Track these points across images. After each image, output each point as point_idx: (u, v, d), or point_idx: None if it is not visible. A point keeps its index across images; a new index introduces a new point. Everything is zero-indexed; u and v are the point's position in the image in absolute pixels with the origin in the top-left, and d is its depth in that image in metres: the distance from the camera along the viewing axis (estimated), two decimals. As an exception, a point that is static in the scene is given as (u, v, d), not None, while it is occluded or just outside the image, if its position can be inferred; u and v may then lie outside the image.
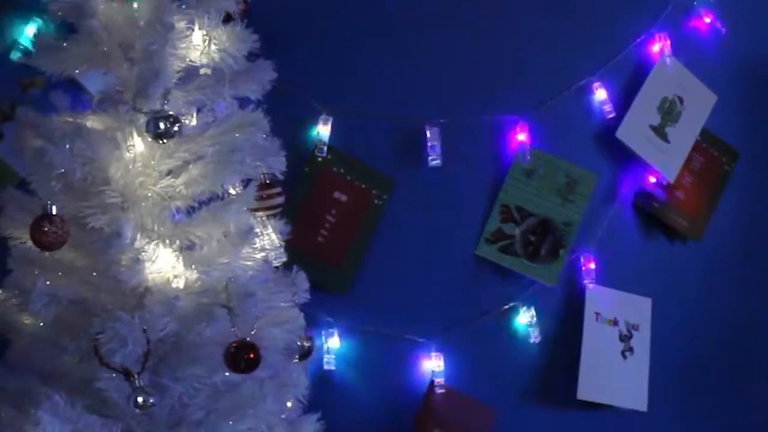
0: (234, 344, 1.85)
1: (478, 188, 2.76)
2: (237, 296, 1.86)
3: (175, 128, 1.84)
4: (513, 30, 2.78)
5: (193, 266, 1.90)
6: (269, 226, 2.08)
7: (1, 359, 2.00)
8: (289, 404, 2.08)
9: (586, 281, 2.80)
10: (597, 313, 2.80)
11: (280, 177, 2.05)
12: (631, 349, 2.84)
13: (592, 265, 2.81)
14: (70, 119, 1.91)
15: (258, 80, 2.02)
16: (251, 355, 1.85)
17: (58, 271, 1.91)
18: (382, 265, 2.68)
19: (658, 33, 2.84)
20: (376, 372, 2.70)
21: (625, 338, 2.83)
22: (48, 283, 1.86)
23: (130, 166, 1.88)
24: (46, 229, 1.83)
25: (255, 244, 1.98)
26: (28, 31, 2.44)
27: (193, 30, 1.93)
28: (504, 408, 2.76)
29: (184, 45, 1.91)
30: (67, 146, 1.81)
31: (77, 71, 1.96)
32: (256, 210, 2.04)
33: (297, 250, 2.17)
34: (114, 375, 1.83)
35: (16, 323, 1.96)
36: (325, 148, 2.63)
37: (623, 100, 2.81)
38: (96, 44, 1.90)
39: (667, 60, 2.84)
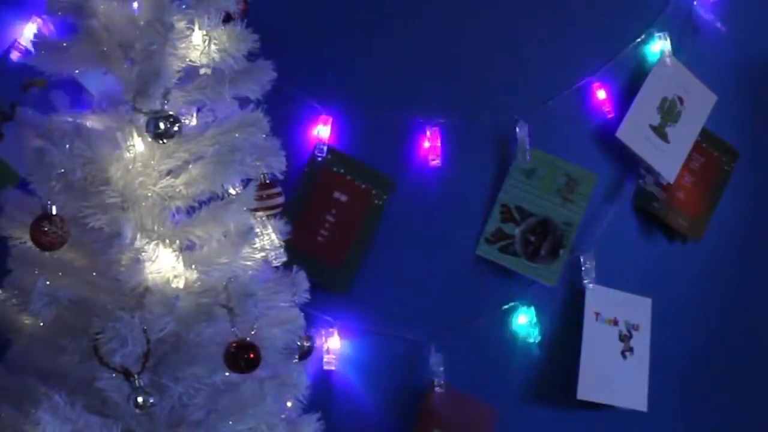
0: (234, 344, 1.85)
1: (478, 188, 2.76)
2: (237, 296, 1.86)
3: (175, 128, 1.84)
4: (513, 30, 2.78)
5: (193, 266, 1.90)
6: (269, 226, 2.08)
7: (1, 359, 2.00)
8: (289, 404, 2.08)
9: (586, 281, 2.80)
10: (597, 313, 2.80)
11: (280, 177, 2.05)
12: (631, 349, 2.83)
13: (592, 265, 2.81)
14: (70, 119, 1.91)
15: (258, 80, 2.02)
16: (251, 355, 1.85)
17: (58, 271, 1.91)
18: (382, 265, 2.68)
19: (658, 33, 2.84)
20: (376, 372, 2.70)
21: (625, 338, 2.83)
22: (48, 283, 1.86)
23: (130, 166, 1.88)
24: (46, 229, 1.83)
25: (255, 244, 1.98)
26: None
27: (193, 30, 1.93)
28: (504, 408, 2.76)
29: (184, 45, 1.91)
30: (67, 146, 1.81)
31: (77, 71, 1.96)
32: (256, 210, 2.04)
33: (297, 250, 2.17)
34: (114, 375, 1.83)
35: (16, 323, 1.96)
36: (325, 148, 2.63)
37: (623, 100, 2.81)
38: (96, 44, 1.90)
39: (667, 60, 2.84)
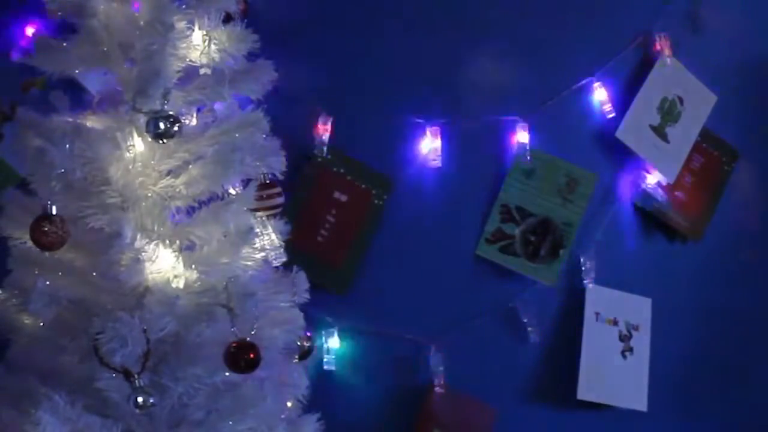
0: (234, 344, 1.85)
1: (478, 188, 2.76)
2: (237, 296, 1.86)
3: (175, 128, 1.84)
4: (513, 30, 2.77)
5: (193, 266, 1.90)
6: (269, 226, 2.08)
7: (1, 359, 2.00)
8: (289, 404, 2.08)
9: (586, 281, 2.80)
10: (597, 313, 2.80)
11: (280, 177, 2.05)
12: (631, 349, 2.84)
13: (592, 265, 2.81)
14: (70, 119, 1.91)
15: (258, 80, 2.02)
16: (251, 355, 1.85)
17: (58, 271, 1.91)
18: (382, 265, 2.68)
19: (658, 33, 2.84)
20: (376, 372, 2.70)
21: (625, 338, 2.83)
22: (48, 283, 1.86)
23: (130, 166, 1.88)
24: (46, 229, 1.83)
25: (255, 244, 1.98)
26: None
27: (193, 30, 1.93)
28: (504, 408, 2.76)
29: (184, 45, 1.91)
30: (67, 146, 1.81)
31: (77, 71, 1.96)
32: (256, 210, 2.04)
33: (297, 250, 2.17)
34: (114, 375, 1.83)
35: (16, 323, 1.96)
36: (325, 148, 2.63)
37: (623, 100, 2.81)
38: (96, 44, 1.90)
39: (667, 60, 2.84)
